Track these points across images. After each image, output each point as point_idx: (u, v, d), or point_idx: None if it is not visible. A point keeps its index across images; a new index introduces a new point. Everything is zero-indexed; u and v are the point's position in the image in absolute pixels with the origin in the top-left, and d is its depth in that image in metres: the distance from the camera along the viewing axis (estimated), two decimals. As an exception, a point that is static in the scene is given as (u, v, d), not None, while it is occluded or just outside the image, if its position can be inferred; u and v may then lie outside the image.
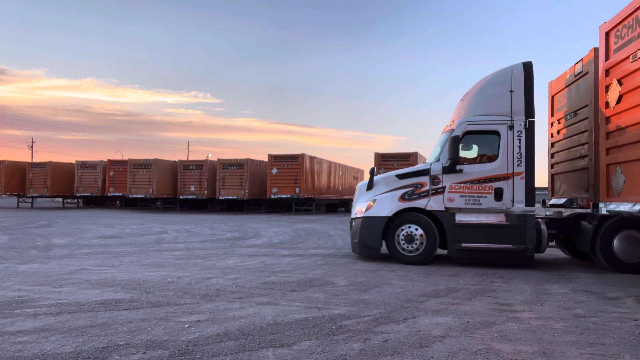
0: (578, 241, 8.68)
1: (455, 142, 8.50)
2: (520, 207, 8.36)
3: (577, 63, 8.99)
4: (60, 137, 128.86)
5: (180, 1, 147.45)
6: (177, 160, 33.59)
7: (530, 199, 8.36)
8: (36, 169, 35.71)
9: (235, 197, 29.61)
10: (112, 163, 34.10)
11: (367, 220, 9.03)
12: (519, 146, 8.41)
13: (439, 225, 8.72)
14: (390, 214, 8.87)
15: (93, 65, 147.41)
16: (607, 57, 7.62)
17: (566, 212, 9.54)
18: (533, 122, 8.48)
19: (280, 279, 7.10)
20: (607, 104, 7.57)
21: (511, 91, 8.51)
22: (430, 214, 8.77)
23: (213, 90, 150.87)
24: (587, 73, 8.54)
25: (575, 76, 9.02)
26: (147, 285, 6.46)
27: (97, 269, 7.91)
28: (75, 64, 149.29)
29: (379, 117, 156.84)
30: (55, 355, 3.70)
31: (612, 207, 7.23)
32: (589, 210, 8.54)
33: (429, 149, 10.42)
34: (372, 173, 9.46)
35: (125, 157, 36.18)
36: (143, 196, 31.77)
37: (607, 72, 7.62)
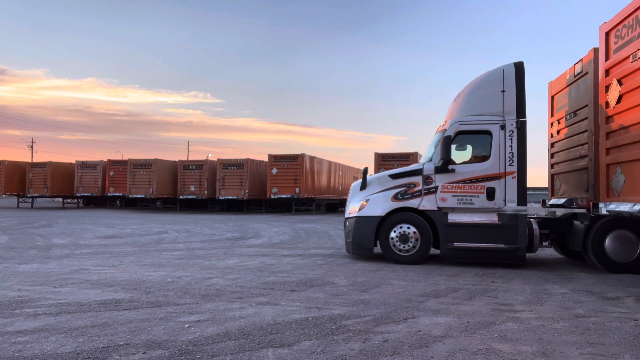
0: (570, 241, 8.71)
1: (447, 142, 8.54)
2: (512, 206, 8.39)
3: (577, 63, 8.99)
4: (60, 137, 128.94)
5: (180, 1, 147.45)
6: (177, 160, 33.63)
7: (522, 199, 8.39)
8: (36, 169, 35.71)
9: (235, 197, 29.61)
10: (112, 163, 34.10)
11: (360, 220, 9.08)
12: (511, 146, 8.44)
13: (431, 224, 8.75)
14: (383, 214, 8.92)
15: (93, 65, 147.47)
16: (607, 57, 7.63)
17: (560, 212, 9.56)
18: (525, 121, 8.51)
19: (280, 279, 7.10)
20: (607, 104, 7.57)
21: (503, 91, 8.55)
22: (423, 213, 8.80)
23: (213, 90, 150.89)
24: (587, 73, 8.54)
25: (575, 76, 9.02)
26: (147, 285, 6.46)
27: (97, 269, 7.91)
28: (75, 64, 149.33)
29: (378, 117, 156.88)
30: (55, 355, 3.70)
31: (612, 207, 7.23)
32: (583, 210, 8.56)
33: (429, 149, 10.42)
34: (365, 173, 9.52)
35: (125, 157, 36.20)
36: (143, 196, 31.77)
37: (607, 72, 7.62)
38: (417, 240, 8.71)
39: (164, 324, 4.57)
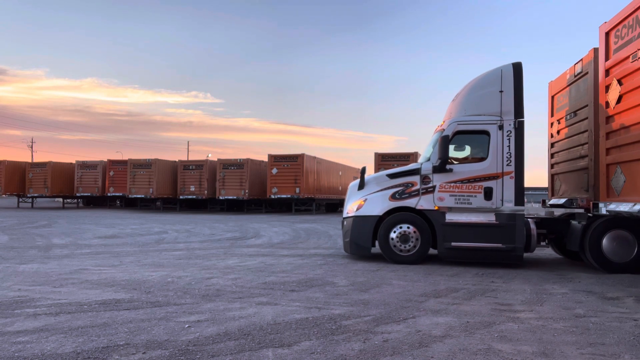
0: (568, 241, 8.72)
1: (445, 141, 8.55)
2: (509, 206, 8.40)
3: (577, 63, 8.99)
4: (60, 137, 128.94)
5: (181, 1, 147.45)
6: (177, 160, 33.64)
7: (519, 199, 8.40)
8: (36, 169, 35.71)
9: (235, 197, 29.61)
10: (112, 163, 34.10)
11: (358, 220, 9.09)
12: (509, 146, 8.46)
13: (429, 224, 8.77)
14: (380, 213, 8.94)
15: (94, 65, 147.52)
16: (607, 57, 7.63)
17: (558, 212, 9.55)
18: (522, 122, 8.53)
19: (280, 279, 7.10)
20: (607, 104, 7.57)
21: (501, 91, 8.56)
22: (421, 213, 8.81)
23: (213, 90, 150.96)
24: (587, 73, 8.54)
25: (575, 76, 9.02)
26: (147, 285, 6.45)
27: (97, 269, 7.91)
28: (75, 64, 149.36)
29: (379, 117, 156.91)
30: (55, 355, 3.70)
31: (612, 207, 7.23)
32: (581, 210, 8.56)
33: (429, 149, 10.41)
34: (362, 173, 9.54)
35: (125, 157, 36.20)
36: (143, 196, 31.76)
37: (607, 72, 7.62)
38: (417, 240, 8.71)
39: (164, 324, 4.57)
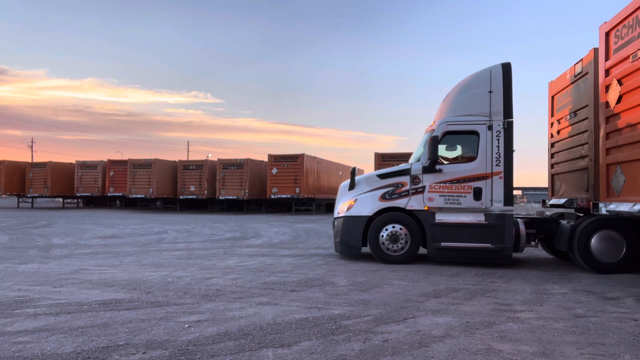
0: (557, 241, 8.72)
1: (434, 142, 8.56)
2: (498, 206, 8.42)
3: (577, 63, 8.99)
4: (61, 137, 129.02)
5: (181, 1, 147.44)
6: (177, 160, 33.62)
7: (508, 199, 8.42)
8: (36, 169, 35.70)
9: (235, 197, 29.60)
10: (112, 163, 34.09)
11: (348, 220, 9.13)
12: (498, 146, 8.47)
13: (419, 224, 8.78)
14: (370, 214, 8.96)
15: (94, 65, 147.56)
16: (607, 57, 7.62)
17: (549, 212, 9.55)
18: (511, 122, 8.54)
19: (280, 279, 7.10)
20: (607, 104, 7.57)
21: (490, 92, 8.57)
22: (411, 213, 8.82)
23: (213, 90, 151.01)
24: (587, 73, 8.54)
25: (575, 76, 9.02)
26: (147, 285, 6.46)
27: (97, 269, 7.91)
28: (76, 64, 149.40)
29: (378, 117, 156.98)
30: (55, 355, 3.70)
31: (612, 207, 7.23)
32: (571, 210, 8.55)
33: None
34: (353, 173, 9.57)
35: (126, 157, 36.19)
36: (143, 196, 31.76)
37: (607, 72, 7.62)
38: (407, 240, 8.72)
39: (164, 324, 4.57)
